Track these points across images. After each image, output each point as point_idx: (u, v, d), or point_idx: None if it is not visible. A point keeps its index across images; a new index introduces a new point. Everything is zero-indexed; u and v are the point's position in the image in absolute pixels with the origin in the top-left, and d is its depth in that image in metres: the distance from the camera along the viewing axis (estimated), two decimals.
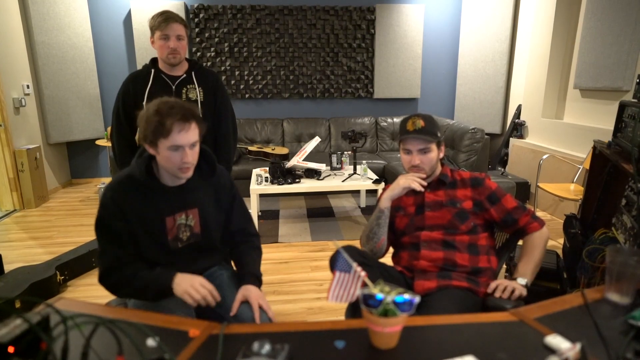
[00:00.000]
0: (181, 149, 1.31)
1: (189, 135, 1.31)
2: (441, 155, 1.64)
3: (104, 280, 1.38)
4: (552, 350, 0.93)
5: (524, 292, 1.42)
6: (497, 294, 1.42)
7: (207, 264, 1.56)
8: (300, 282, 2.77)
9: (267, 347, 0.89)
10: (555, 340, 0.94)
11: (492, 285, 1.46)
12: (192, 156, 1.34)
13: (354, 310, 1.65)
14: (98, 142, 4.84)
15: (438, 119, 5.19)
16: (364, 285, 1.04)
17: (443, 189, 1.64)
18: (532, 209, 1.54)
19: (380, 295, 0.94)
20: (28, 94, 4.53)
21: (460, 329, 1.02)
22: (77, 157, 5.34)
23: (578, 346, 0.91)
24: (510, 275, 1.61)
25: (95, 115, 5.09)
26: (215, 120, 2.18)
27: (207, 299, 1.33)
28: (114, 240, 1.37)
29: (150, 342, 0.99)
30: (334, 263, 1.11)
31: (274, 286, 2.73)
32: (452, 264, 1.52)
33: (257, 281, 1.48)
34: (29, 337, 0.85)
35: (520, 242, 1.66)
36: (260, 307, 1.38)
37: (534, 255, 1.54)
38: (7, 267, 2.86)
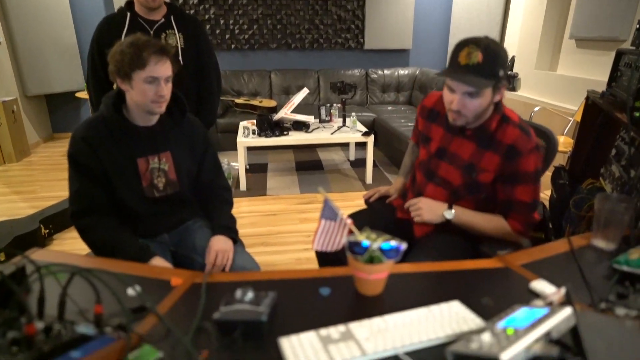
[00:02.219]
0: (157, 82, 1.28)
1: (165, 68, 1.29)
2: (497, 98, 1.27)
3: (75, 220, 1.35)
4: (536, 295, 0.93)
5: (419, 219, 1.36)
6: (408, 202, 1.41)
7: (186, 215, 1.54)
8: (288, 233, 2.78)
9: (250, 295, 0.88)
10: (540, 285, 0.94)
11: (413, 200, 1.41)
12: (166, 90, 1.31)
13: (321, 261, 1.64)
14: (78, 95, 4.66)
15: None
16: (350, 233, 1.02)
17: (475, 143, 1.35)
18: (534, 218, 1.36)
19: (366, 242, 0.92)
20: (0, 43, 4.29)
21: (447, 276, 1.02)
22: (58, 111, 5.16)
23: (562, 290, 0.90)
24: None
25: (74, 66, 4.87)
26: (198, 70, 2.07)
27: None
28: (87, 177, 1.33)
29: (131, 291, 0.96)
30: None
31: (262, 238, 2.74)
32: None
33: (228, 231, 1.46)
34: (4, 288, 0.83)
35: None
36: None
37: (486, 225, 1.36)
38: None
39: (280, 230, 2.84)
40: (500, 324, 0.76)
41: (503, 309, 0.87)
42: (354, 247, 0.93)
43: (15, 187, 3.64)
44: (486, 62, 1.17)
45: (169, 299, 0.94)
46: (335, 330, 0.81)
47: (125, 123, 1.35)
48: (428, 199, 1.42)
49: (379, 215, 1.59)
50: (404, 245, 0.92)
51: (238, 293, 0.88)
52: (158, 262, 1.29)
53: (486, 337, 0.73)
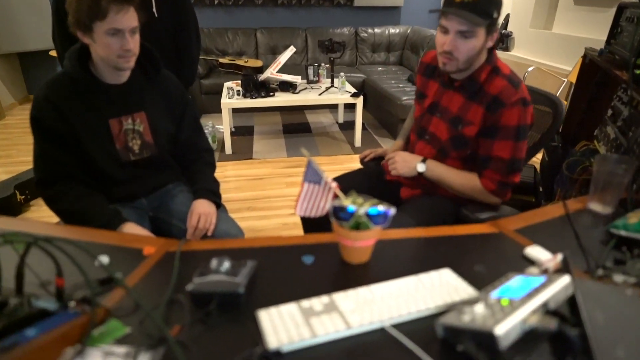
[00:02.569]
0: (121, 34, 1.16)
1: (129, 18, 1.16)
2: (490, 44, 1.23)
3: (41, 188, 1.26)
4: (531, 262, 0.88)
5: (395, 172, 1.37)
6: (387, 157, 1.40)
7: (165, 179, 1.45)
8: (275, 198, 2.71)
9: (226, 264, 0.81)
10: (535, 251, 0.89)
11: (390, 154, 1.41)
12: (133, 44, 1.19)
13: (307, 227, 1.59)
14: (52, 53, 4.42)
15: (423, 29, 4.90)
16: (335, 197, 0.95)
17: (463, 95, 1.30)
18: (512, 179, 1.28)
19: (352, 207, 0.85)
20: None
21: (437, 242, 0.96)
22: (32, 70, 4.90)
23: (559, 257, 0.86)
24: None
25: (46, 22, 4.58)
26: (175, 23, 1.93)
27: None
28: (52, 141, 1.23)
29: (99, 261, 0.90)
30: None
31: (248, 202, 2.67)
32: None
33: (211, 195, 1.38)
34: None
35: None
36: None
37: (456, 180, 1.33)
38: None
39: (267, 194, 2.77)
40: (494, 294, 0.71)
41: (497, 276, 0.82)
42: (339, 213, 0.87)
43: None
44: (481, 0, 1.14)
45: (140, 269, 0.87)
46: (318, 302, 0.76)
47: (93, 80, 1.24)
48: (405, 152, 1.40)
49: (368, 177, 1.54)
50: (392, 211, 0.86)
51: (214, 263, 0.81)
52: (131, 228, 1.22)
53: (479, 308, 0.68)
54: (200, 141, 1.50)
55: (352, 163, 3.24)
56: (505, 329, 0.61)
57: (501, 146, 1.24)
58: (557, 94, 3.42)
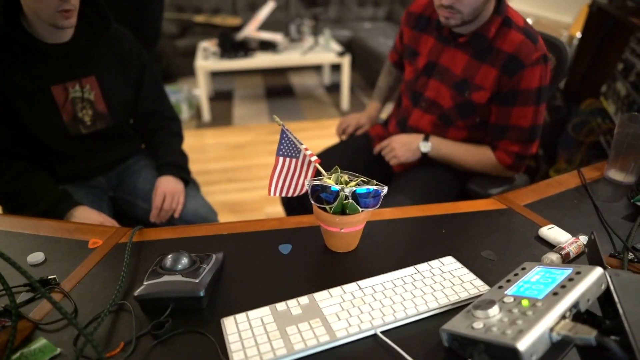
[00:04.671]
0: None
1: None
2: None
3: None
4: (548, 244, 0.75)
5: (396, 160, 1.19)
6: (380, 145, 1.24)
7: (123, 153, 1.27)
8: (257, 167, 2.55)
9: (184, 261, 0.67)
10: (552, 232, 0.76)
11: (384, 142, 1.23)
12: None
13: (288, 208, 1.44)
14: None
15: None
16: (316, 173, 0.79)
17: (469, 54, 1.11)
18: (531, 149, 1.14)
19: (336, 187, 0.70)
20: None
21: (436, 222, 0.83)
22: None
23: (582, 239, 0.73)
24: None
25: None
26: None
27: None
28: None
29: (32, 258, 0.74)
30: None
31: (228, 173, 2.50)
32: None
33: (178, 170, 1.22)
34: None
35: None
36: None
37: (468, 157, 1.19)
38: None
39: (249, 164, 2.60)
40: (511, 291, 0.58)
41: (509, 265, 0.69)
42: (320, 193, 0.72)
43: None
44: None
45: (82, 267, 0.72)
46: (296, 304, 0.62)
47: (27, 39, 1.02)
48: (399, 135, 1.23)
49: (353, 150, 1.36)
50: (384, 190, 0.71)
51: (168, 260, 0.66)
52: (84, 212, 1.05)
53: (494, 311, 0.55)
54: (163, 109, 1.31)
55: None
56: (531, 341, 0.48)
57: (521, 113, 1.08)
58: None
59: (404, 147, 1.19)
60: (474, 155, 1.18)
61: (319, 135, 2.93)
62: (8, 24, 1.00)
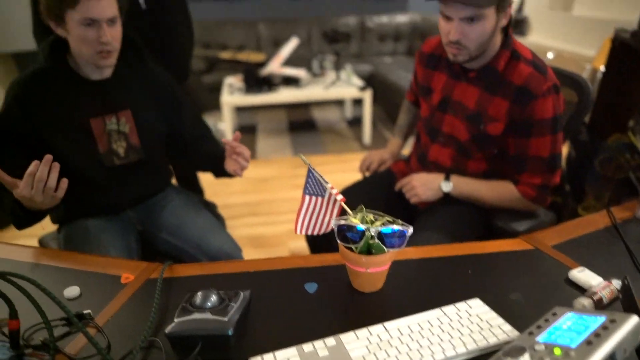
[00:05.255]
0: (97, 25, 1.02)
1: (104, 6, 1.02)
2: (504, 22, 1.06)
3: None
4: (578, 288, 0.73)
5: (417, 199, 1.20)
6: (400, 183, 1.25)
7: (154, 187, 1.32)
8: (280, 201, 2.57)
9: (213, 299, 0.68)
10: (583, 275, 0.75)
11: (404, 180, 1.25)
12: (111, 35, 1.05)
13: (312, 245, 1.45)
14: None
15: None
16: (341, 212, 0.81)
17: (480, 87, 1.13)
18: (553, 179, 1.13)
19: (361, 227, 0.71)
20: None
21: (462, 263, 0.82)
22: None
23: (615, 283, 0.71)
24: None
25: None
26: (165, 12, 1.78)
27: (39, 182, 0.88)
28: (12, 145, 1.09)
29: (69, 292, 0.77)
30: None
31: (251, 207, 2.53)
32: None
33: None
34: None
35: None
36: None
37: (491, 194, 1.18)
38: None
39: (272, 197, 2.63)
40: (542, 338, 0.57)
41: (538, 309, 0.68)
42: (346, 233, 0.73)
43: None
44: None
45: (115, 301, 0.75)
46: (322, 345, 0.62)
47: (71, 75, 1.11)
48: (421, 174, 1.24)
49: (377, 187, 1.37)
50: (409, 230, 0.72)
51: (198, 297, 0.68)
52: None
53: None
54: (209, 133, 1.39)
55: None
56: None
57: (538, 144, 1.08)
58: None
59: (424, 186, 1.20)
60: (496, 191, 1.18)
61: (341, 169, 2.96)
62: (55, 61, 1.09)
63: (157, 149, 1.28)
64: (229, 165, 1.23)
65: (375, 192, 1.34)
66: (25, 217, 1.02)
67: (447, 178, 1.20)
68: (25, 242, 1.00)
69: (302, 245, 2.14)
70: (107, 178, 1.20)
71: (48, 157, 0.86)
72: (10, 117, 1.07)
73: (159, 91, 1.26)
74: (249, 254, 1.89)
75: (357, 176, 1.48)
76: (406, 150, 1.55)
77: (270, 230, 2.30)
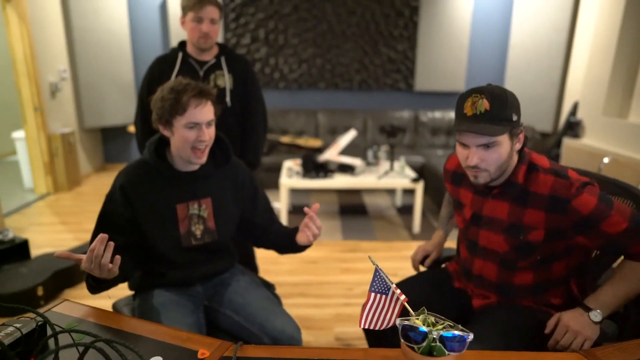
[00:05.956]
0: (198, 127, 1.24)
1: (205, 112, 1.25)
2: (518, 145, 1.13)
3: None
4: None
5: (590, 342, 1.07)
6: (555, 338, 1.10)
7: (222, 266, 1.44)
8: (328, 284, 2.61)
9: None
10: None
11: (552, 321, 1.13)
12: (208, 135, 1.27)
13: (370, 337, 1.46)
14: (130, 129, 4.83)
15: None
16: (402, 310, 0.86)
17: (508, 202, 1.18)
18: None
19: (424, 329, 0.76)
20: (64, 79, 4.56)
21: None
22: (111, 142, 5.37)
23: None
24: (581, 297, 1.20)
25: (128, 101, 5.08)
26: (245, 109, 2.03)
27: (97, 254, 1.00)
28: (109, 224, 1.27)
29: None
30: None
31: (300, 287, 2.58)
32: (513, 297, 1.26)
33: None
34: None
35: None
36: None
37: (630, 284, 1.09)
38: (36, 252, 2.85)
39: (321, 280, 2.68)
40: None
41: None
42: (409, 332, 0.78)
43: (64, 217, 3.73)
44: (495, 107, 1.05)
45: None
46: None
47: (167, 168, 1.32)
48: (568, 315, 1.11)
49: (432, 283, 1.39)
50: (470, 336, 0.76)
51: None
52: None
53: None
54: (275, 218, 1.54)
55: (410, 250, 3.10)
56: None
57: (610, 223, 1.06)
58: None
59: (583, 329, 1.07)
60: (627, 278, 1.10)
61: (390, 257, 2.98)
62: (157, 156, 1.30)
63: (229, 232, 1.41)
64: (301, 238, 1.34)
65: (430, 288, 1.36)
66: (96, 285, 1.15)
67: (584, 308, 1.11)
68: (97, 302, 1.11)
69: (348, 331, 2.13)
70: (183, 256, 1.33)
71: (103, 237, 0.99)
72: (114, 200, 1.28)
73: (237, 181, 1.43)
74: None
75: (406, 264, 1.53)
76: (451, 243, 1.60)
77: (317, 312, 2.32)
